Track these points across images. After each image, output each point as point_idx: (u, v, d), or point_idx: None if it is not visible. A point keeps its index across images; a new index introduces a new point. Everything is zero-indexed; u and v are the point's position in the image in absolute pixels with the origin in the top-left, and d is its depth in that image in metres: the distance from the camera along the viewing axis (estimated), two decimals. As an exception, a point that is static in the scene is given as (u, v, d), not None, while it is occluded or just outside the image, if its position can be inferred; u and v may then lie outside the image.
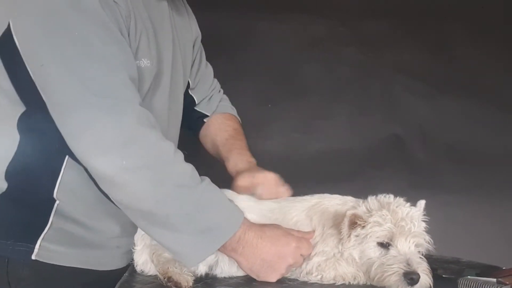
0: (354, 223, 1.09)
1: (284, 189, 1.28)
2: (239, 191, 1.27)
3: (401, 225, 1.05)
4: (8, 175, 1.12)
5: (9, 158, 1.11)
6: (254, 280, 1.10)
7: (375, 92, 2.42)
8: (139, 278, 1.13)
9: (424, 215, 1.11)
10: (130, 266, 1.22)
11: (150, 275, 1.14)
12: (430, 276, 1.05)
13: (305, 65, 2.34)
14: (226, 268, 1.13)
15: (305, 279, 1.12)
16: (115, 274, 1.19)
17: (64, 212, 1.14)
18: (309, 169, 2.29)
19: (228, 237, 1.03)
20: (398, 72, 2.41)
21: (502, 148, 2.37)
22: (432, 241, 1.09)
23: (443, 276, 1.22)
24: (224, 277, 1.13)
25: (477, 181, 2.32)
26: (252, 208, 1.19)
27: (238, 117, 1.56)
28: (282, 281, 1.11)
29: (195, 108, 1.51)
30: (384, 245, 1.07)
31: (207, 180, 1.06)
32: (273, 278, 1.08)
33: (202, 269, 1.09)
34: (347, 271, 1.10)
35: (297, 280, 1.13)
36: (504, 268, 1.23)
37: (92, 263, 1.19)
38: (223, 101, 1.56)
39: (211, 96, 1.54)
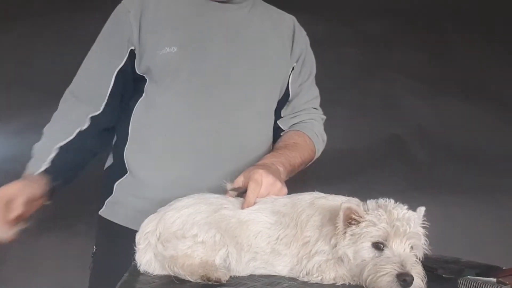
0: (349, 218, 1.06)
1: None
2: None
3: (396, 225, 1.03)
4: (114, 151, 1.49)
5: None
6: (255, 279, 1.11)
7: (375, 92, 2.42)
8: (141, 278, 1.12)
9: (424, 221, 1.08)
10: (131, 266, 1.21)
11: (152, 275, 1.13)
12: (424, 279, 1.03)
13: (305, 65, 2.34)
14: (233, 264, 1.12)
15: (305, 279, 1.12)
16: None
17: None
18: (309, 169, 2.29)
19: None
20: (398, 72, 2.41)
21: (502, 148, 2.37)
22: (428, 242, 1.07)
23: (443, 276, 1.22)
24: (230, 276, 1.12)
25: (477, 181, 2.33)
26: (265, 210, 1.19)
27: (313, 141, 1.53)
28: (282, 281, 1.11)
29: (277, 121, 1.55)
30: (379, 246, 1.05)
31: None
32: None
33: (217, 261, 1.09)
34: (347, 273, 1.10)
35: (297, 280, 1.14)
36: (504, 268, 1.23)
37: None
38: (307, 122, 1.56)
39: (297, 115, 1.56)
